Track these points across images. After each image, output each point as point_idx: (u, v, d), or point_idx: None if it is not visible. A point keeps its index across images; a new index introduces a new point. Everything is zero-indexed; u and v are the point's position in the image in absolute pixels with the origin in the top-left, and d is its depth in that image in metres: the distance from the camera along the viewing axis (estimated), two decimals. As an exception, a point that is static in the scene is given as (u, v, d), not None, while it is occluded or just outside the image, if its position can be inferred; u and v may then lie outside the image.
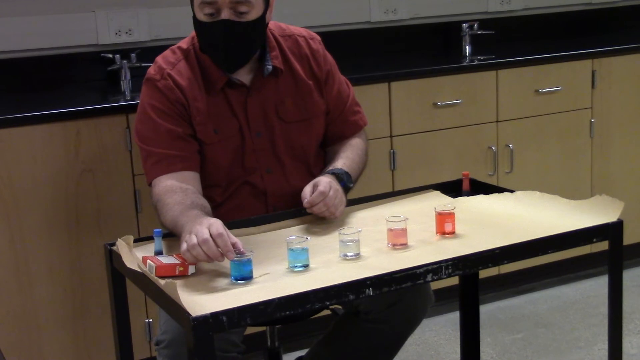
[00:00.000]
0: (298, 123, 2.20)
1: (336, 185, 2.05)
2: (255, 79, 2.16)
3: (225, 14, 2.02)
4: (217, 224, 1.72)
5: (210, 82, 2.13)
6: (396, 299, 2.13)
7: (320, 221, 2.02)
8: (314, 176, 2.21)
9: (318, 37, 2.29)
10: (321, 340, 2.36)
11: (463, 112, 3.25)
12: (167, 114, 2.10)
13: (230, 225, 1.97)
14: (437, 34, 3.82)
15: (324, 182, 2.02)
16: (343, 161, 2.19)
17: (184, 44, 2.19)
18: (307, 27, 2.33)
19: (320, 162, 2.28)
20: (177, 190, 2.01)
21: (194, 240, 1.69)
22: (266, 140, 2.17)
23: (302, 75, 2.21)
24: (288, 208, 2.13)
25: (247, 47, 2.10)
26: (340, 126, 2.29)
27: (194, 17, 2.08)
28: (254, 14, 2.06)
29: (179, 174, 2.07)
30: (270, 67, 2.15)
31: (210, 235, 1.68)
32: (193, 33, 2.17)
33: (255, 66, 2.16)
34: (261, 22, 2.09)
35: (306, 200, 2.00)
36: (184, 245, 1.71)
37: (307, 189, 2.03)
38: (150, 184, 2.12)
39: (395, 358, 2.33)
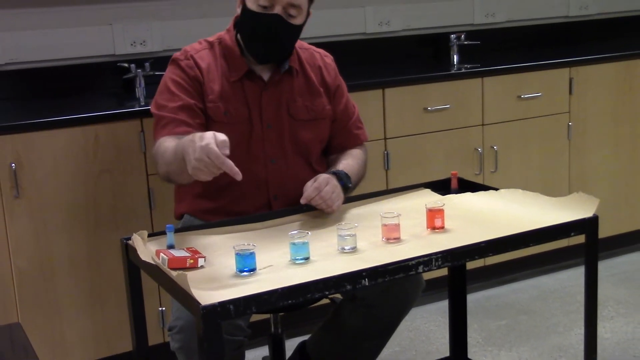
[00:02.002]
0: (305, 122, 2.22)
1: (334, 182, 2.06)
2: (273, 75, 2.19)
3: (278, 10, 2.07)
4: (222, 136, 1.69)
5: (230, 71, 2.16)
6: (389, 284, 2.13)
7: (320, 217, 2.02)
8: (314, 170, 2.22)
9: (331, 56, 2.35)
10: (322, 326, 2.37)
11: (451, 116, 3.24)
12: (184, 88, 2.13)
13: (236, 221, 1.97)
14: (427, 44, 3.82)
15: (322, 177, 2.04)
16: (344, 165, 2.21)
17: (210, 38, 2.24)
18: (307, 38, 2.35)
19: (322, 162, 2.29)
20: (176, 139, 2.00)
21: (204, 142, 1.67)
22: (275, 133, 2.18)
23: (315, 81, 2.25)
24: (287, 197, 2.14)
25: (284, 45, 2.16)
26: (344, 137, 2.31)
27: (244, 7, 2.11)
28: (298, 20, 2.12)
29: (181, 137, 2.05)
30: (287, 66, 2.19)
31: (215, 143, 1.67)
32: (220, 33, 2.23)
33: (274, 66, 2.20)
34: (300, 29, 2.15)
35: (304, 195, 2.00)
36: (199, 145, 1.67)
37: (307, 184, 2.03)
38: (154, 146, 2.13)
39: (389, 343, 2.33)
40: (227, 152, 1.68)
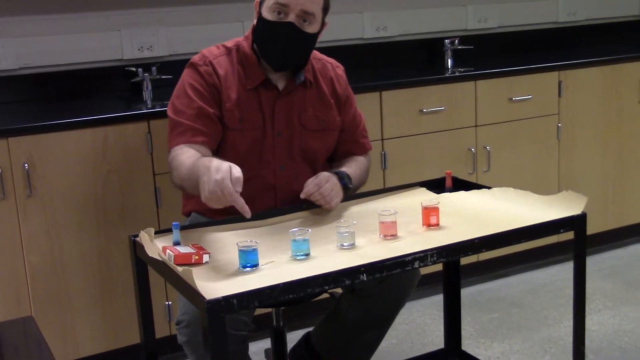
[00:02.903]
0: (315, 132, 2.21)
1: (335, 180, 2.05)
2: (287, 86, 2.17)
3: (292, 18, 2.05)
4: (237, 170, 1.69)
5: (247, 79, 2.14)
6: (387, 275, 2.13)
7: (319, 215, 2.02)
8: None
9: (342, 67, 2.33)
10: (324, 318, 2.37)
11: (446, 118, 3.24)
12: (202, 94, 2.11)
13: (239, 218, 1.97)
14: (422, 48, 3.81)
15: (323, 175, 2.04)
16: (346, 168, 2.20)
17: (228, 43, 2.21)
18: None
19: (326, 169, 2.28)
20: (191, 150, 2.01)
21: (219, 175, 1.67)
22: (285, 141, 2.17)
23: (326, 92, 2.23)
24: (294, 202, 2.13)
25: (299, 52, 2.13)
26: (350, 145, 2.31)
27: (260, 17, 2.09)
28: (312, 29, 2.09)
29: (197, 146, 2.06)
30: (302, 78, 2.17)
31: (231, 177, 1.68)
32: (238, 39, 2.20)
33: (289, 76, 2.18)
34: (314, 38, 2.13)
35: (304, 190, 2.00)
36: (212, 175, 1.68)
37: (309, 181, 2.03)
38: (169, 151, 2.12)
39: (386, 336, 2.33)
40: (240, 189, 1.68)
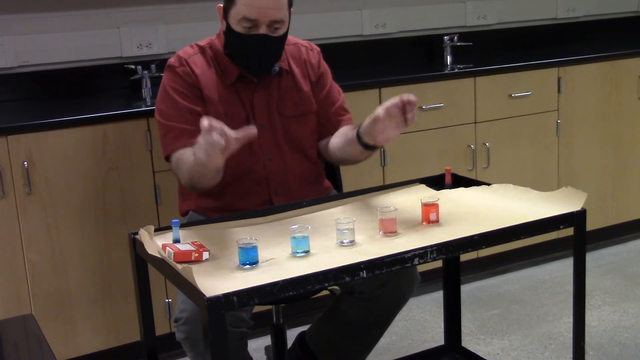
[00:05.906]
0: (295, 118, 2.21)
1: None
2: (263, 77, 2.17)
3: (263, 30, 2.05)
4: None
5: (223, 75, 2.15)
6: (386, 279, 2.13)
7: (319, 212, 2.01)
8: (311, 163, 2.22)
9: (317, 48, 2.31)
10: (321, 317, 2.36)
11: (445, 115, 3.24)
12: (186, 95, 2.12)
13: (239, 216, 1.97)
14: (421, 45, 3.81)
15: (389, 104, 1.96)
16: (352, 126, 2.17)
17: (201, 42, 2.21)
18: (306, 39, 2.34)
19: (315, 155, 2.28)
20: (192, 156, 2.01)
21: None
22: (268, 132, 2.18)
23: (299, 77, 2.22)
24: (288, 193, 2.14)
25: (275, 57, 2.15)
26: (325, 125, 2.27)
27: (229, 28, 2.09)
28: (282, 31, 2.10)
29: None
30: (277, 68, 2.17)
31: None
32: (210, 37, 2.21)
33: None
34: (285, 36, 2.13)
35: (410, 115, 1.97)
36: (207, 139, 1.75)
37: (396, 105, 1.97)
38: (167, 157, 2.12)
39: (386, 332, 2.33)
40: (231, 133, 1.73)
